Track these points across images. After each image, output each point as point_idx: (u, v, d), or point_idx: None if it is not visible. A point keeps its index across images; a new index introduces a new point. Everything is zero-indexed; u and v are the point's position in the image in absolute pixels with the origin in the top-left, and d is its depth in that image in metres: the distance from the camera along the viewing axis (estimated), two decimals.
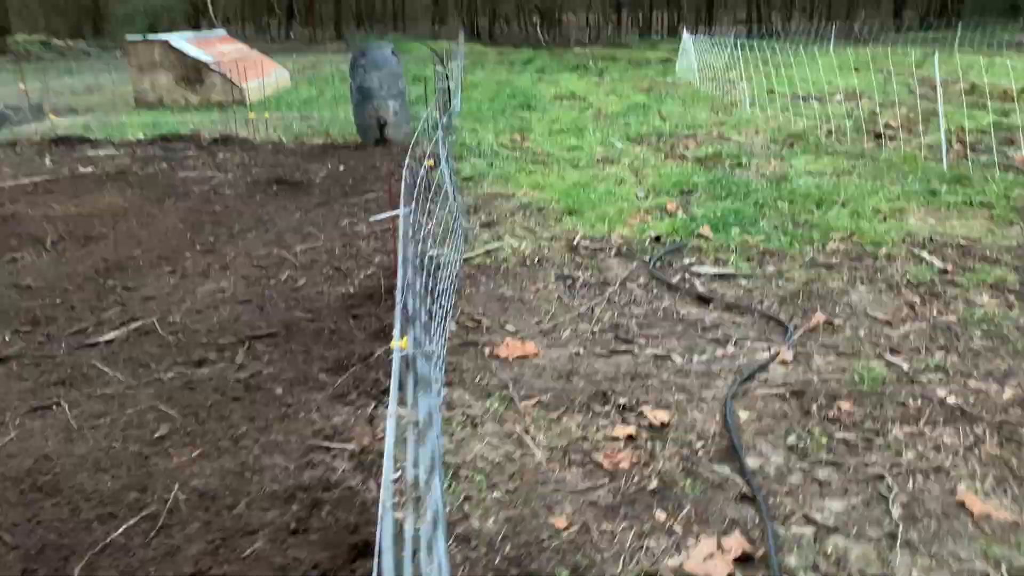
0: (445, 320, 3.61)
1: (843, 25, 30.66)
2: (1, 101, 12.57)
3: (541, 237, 4.84)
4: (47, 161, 7.93)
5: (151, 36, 12.00)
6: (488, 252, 4.59)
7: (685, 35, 17.04)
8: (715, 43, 13.72)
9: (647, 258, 4.38)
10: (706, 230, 4.73)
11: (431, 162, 6.02)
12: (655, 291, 3.96)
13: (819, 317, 3.51)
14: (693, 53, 14.09)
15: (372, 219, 4.84)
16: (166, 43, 11.82)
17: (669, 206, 5.39)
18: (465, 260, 4.45)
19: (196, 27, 33.69)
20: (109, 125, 10.20)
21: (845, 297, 3.74)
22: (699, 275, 4.14)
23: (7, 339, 3.64)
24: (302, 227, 5.36)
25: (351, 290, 4.14)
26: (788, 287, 3.91)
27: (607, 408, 2.82)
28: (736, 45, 11.94)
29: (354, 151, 8.15)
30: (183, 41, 12.15)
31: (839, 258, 4.26)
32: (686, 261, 4.35)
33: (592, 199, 5.65)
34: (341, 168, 7.25)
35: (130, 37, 11.94)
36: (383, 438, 2.67)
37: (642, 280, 4.11)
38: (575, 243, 4.66)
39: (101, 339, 3.59)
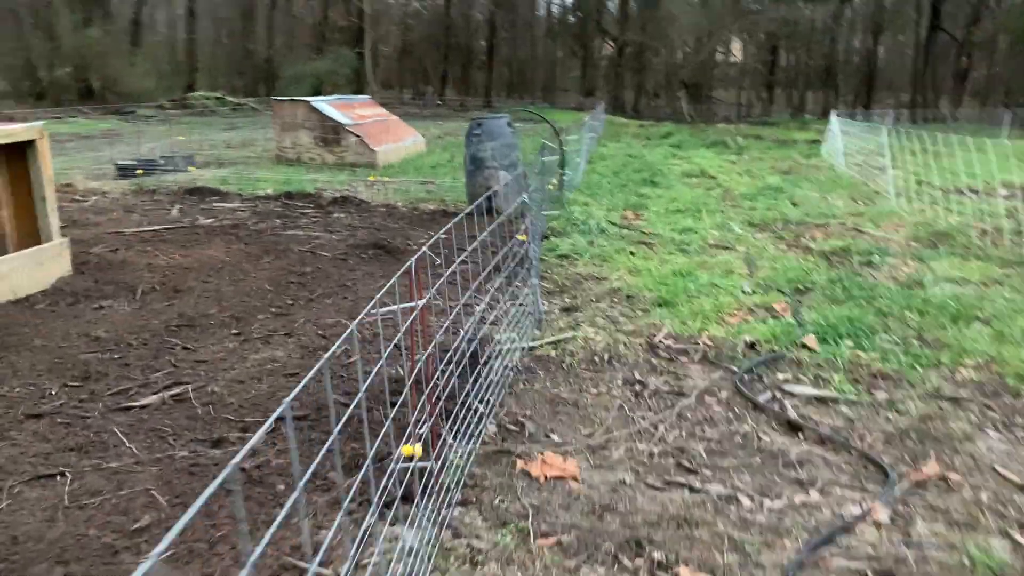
0: (484, 419, 3.24)
1: (1021, 111, 28.29)
2: (159, 151, 13.66)
3: (621, 330, 4.39)
4: (175, 210, 8.34)
5: (296, 97, 12.66)
6: (557, 342, 4.19)
7: (833, 116, 16.16)
8: (869, 126, 12.85)
9: (735, 368, 3.83)
10: (812, 340, 4.11)
11: (524, 236, 5.75)
12: (737, 410, 3.41)
13: (932, 468, 2.84)
14: (839, 135, 13.24)
15: (379, 312, 4.55)
16: (308, 104, 12.41)
17: (776, 306, 4.80)
18: (528, 350, 4.08)
19: (358, 91, 35.89)
20: (244, 179, 10.71)
21: (970, 445, 3.04)
22: (793, 395, 3.54)
23: (54, 392, 3.61)
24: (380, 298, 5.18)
25: (400, 370, 3.86)
26: (899, 422, 3.24)
27: (638, 562, 2.32)
28: (892, 129, 11.07)
29: (461, 220, 8.02)
30: (325, 103, 12.72)
31: (969, 391, 3.53)
32: (780, 377, 3.75)
33: (690, 289, 5.14)
34: (443, 236, 7.11)
35: (276, 98, 12.66)
36: (367, 565, 2.31)
37: (724, 395, 3.57)
38: (656, 341, 4.18)
39: (137, 403, 3.48)
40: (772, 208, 8.60)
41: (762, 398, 3.50)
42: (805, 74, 40.19)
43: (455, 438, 2.93)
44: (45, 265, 5.38)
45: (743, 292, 5.15)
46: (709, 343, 4.17)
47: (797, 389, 3.59)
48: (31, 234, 5.52)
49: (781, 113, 39.90)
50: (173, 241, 6.82)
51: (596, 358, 3.96)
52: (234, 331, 4.52)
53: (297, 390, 1.49)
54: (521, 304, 4.91)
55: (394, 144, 13.08)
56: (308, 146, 12.56)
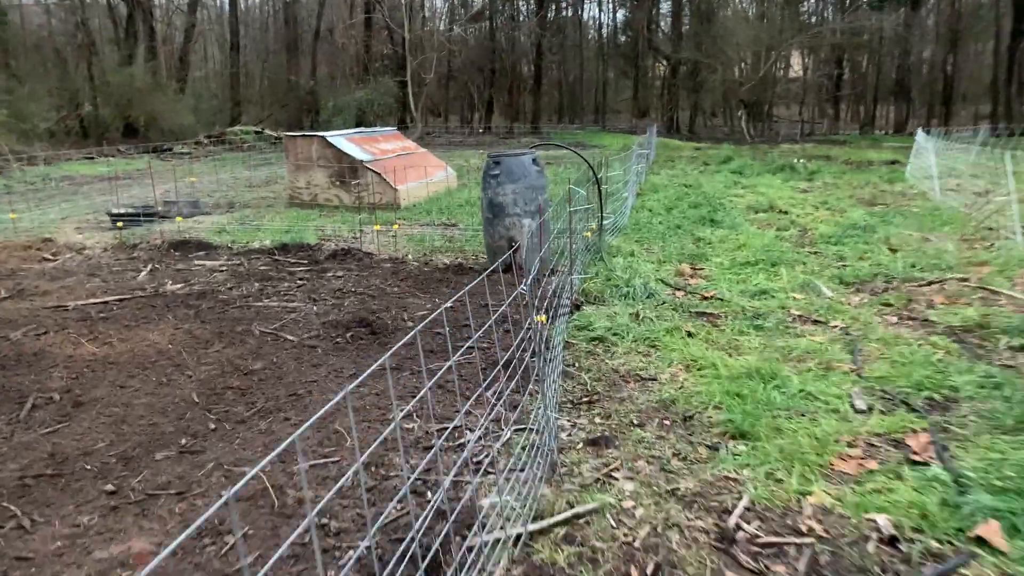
0: None
1: None
2: (174, 194, 12.64)
3: (675, 493, 2.84)
4: (144, 272, 7.11)
5: (309, 132, 11.45)
6: (573, 521, 2.67)
7: (920, 133, 14.27)
8: (956, 143, 11.01)
9: None
10: (991, 529, 2.49)
11: (543, 316, 4.27)
12: None
13: None
14: (932, 156, 11.39)
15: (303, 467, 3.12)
16: (323, 139, 11.20)
17: (911, 441, 3.18)
18: (530, 536, 2.57)
19: (403, 120, 35.11)
20: (244, 227, 9.50)
21: None
22: None
23: None
24: (338, 414, 3.74)
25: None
26: None
27: None
28: (994, 149, 9.27)
29: (477, 279, 6.58)
30: (341, 138, 11.50)
31: None
32: None
33: (775, 403, 3.56)
34: (447, 306, 5.66)
35: (289, 133, 11.49)
36: None
37: None
38: (731, 527, 2.61)
39: None
40: (865, 256, 6.90)
41: None
42: (874, 87, 37.75)
43: None
44: None
45: (854, 410, 3.53)
46: (819, 528, 2.59)
47: None
48: None
49: (848, 131, 37.58)
50: (118, 319, 5.54)
51: (634, 563, 2.42)
52: (110, 487, 3.13)
53: None
54: (531, 428, 3.41)
55: (420, 181, 11.76)
56: (324, 186, 11.34)
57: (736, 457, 3.09)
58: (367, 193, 11.08)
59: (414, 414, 3.70)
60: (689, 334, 4.71)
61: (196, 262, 7.56)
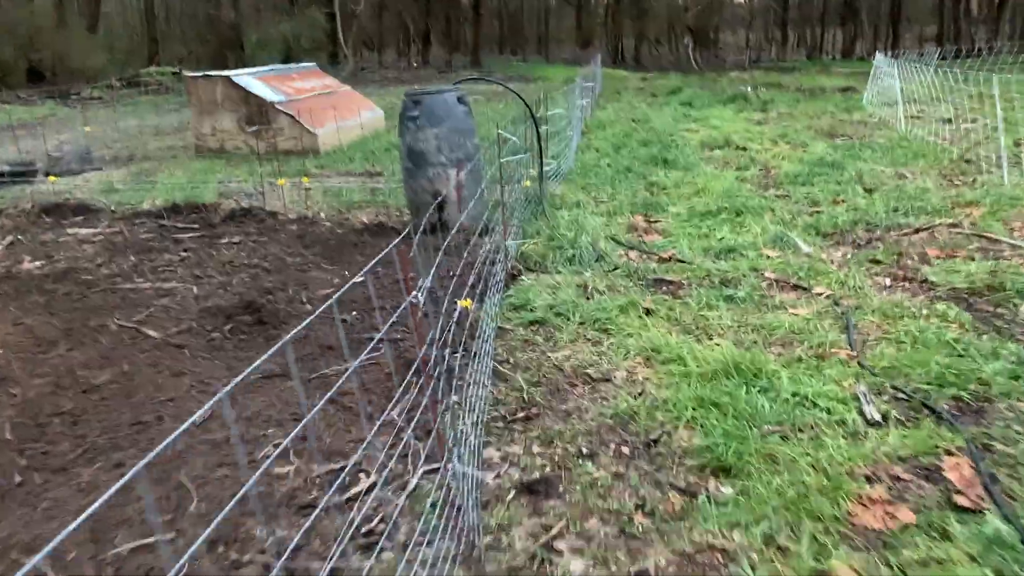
0: None
1: None
2: (68, 146, 11.23)
3: None
4: (2, 245, 5.95)
5: (212, 72, 10.12)
6: None
7: (878, 56, 13.51)
8: (911, 65, 10.26)
9: None
10: None
11: (468, 302, 3.39)
12: None
13: None
14: (897, 81, 10.63)
15: None
16: (227, 79, 9.89)
17: (949, 472, 2.40)
18: None
19: (334, 55, 33.10)
20: (139, 184, 8.29)
21: None
22: None
23: None
24: (190, 454, 2.81)
25: None
26: None
27: None
28: (944, 69, 8.54)
29: (398, 240, 5.61)
30: (250, 77, 10.19)
31: None
32: None
33: (765, 416, 2.74)
34: (359, 279, 4.70)
35: (191, 73, 10.14)
36: None
37: None
38: None
39: None
40: (839, 199, 6.12)
41: None
42: (821, 10, 36.88)
43: None
44: None
45: (865, 421, 2.74)
46: None
47: None
48: None
49: (795, 57, 36.87)
50: None
51: None
52: None
53: None
54: (445, 473, 2.53)
55: (342, 123, 10.57)
56: (232, 132, 10.08)
57: (721, 509, 2.27)
58: (280, 138, 9.88)
59: (291, 451, 2.78)
60: (647, 311, 3.86)
61: (69, 230, 6.41)
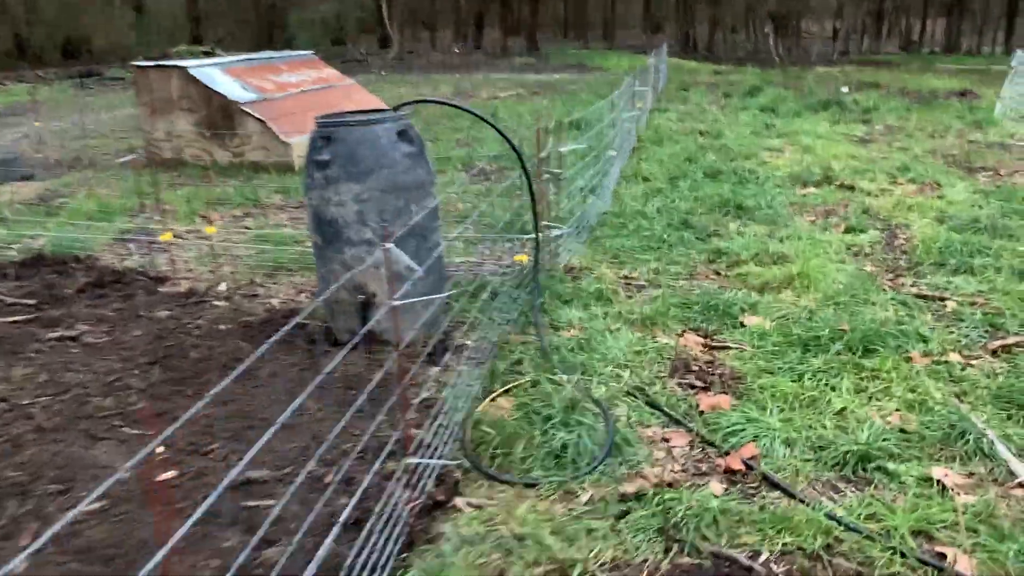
0: None
1: None
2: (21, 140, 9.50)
3: None
4: None
5: (165, 61, 8.09)
6: None
7: (1018, 54, 10.74)
8: None
9: None
10: None
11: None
12: None
13: None
14: None
15: None
16: (182, 71, 7.86)
17: None
18: None
19: (384, 39, 31.17)
20: (34, 214, 6.35)
21: None
22: None
23: None
24: None
25: None
26: None
27: None
28: None
29: (302, 364, 3.43)
30: (216, 68, 8.15)
31: None
32: None
33: None
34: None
35: (139, 62, 8.14)
36: None
37: None
38: None
39: None
40: (1010, 285, 3.70)
41: None
42: None
43: None
44: None
45: None
46: None
47: None
48: None
49: (890, 51, 33.29)
50: None
51: None
52: None
53: None
54: None
55: None
56: (189, 138, 8.07)
57: None
58: (247, 147, 7.83)
59: None
60: None
61: None
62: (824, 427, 2.73)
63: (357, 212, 3.34)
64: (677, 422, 2.82)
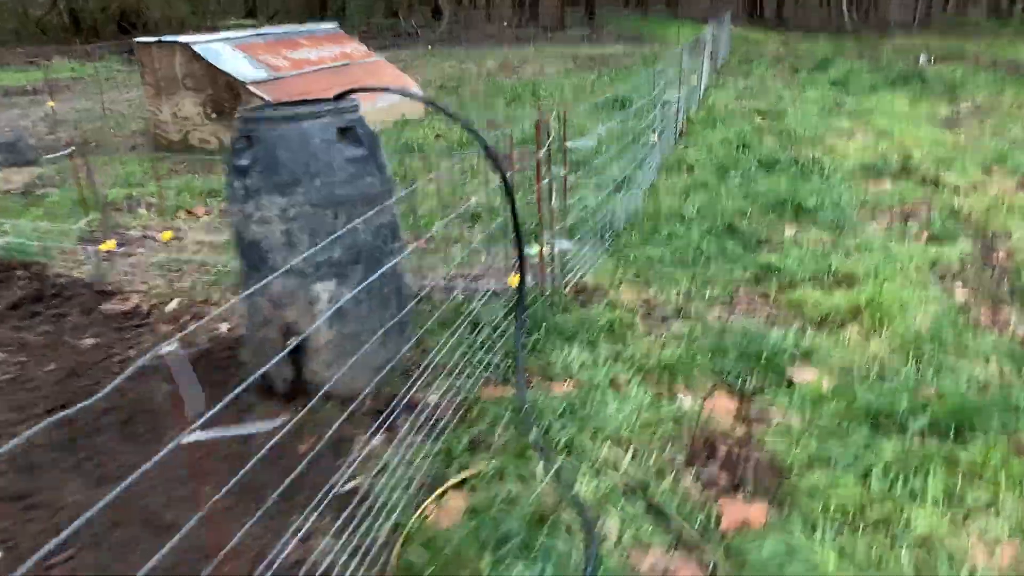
0: None
1: None
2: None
3: None
4: None
5: (168, 37, 7.46)
6: None
7: None
8: None
9: None
10: None
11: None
12: None
13: None
14: None
15: None
16: (186, 48, 7.23)
17: None
18: None
19: (436, 10, 30.37)
20: (28, 196, 5.84)
21: None
22: None
23: None
24: None
25: None
26: None
27: None
28: None
29: (227, 421, 2.73)
30: (226, 44, 7.50)
31: None
32: None
33: None
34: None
35: (143, 39, 7.55)
36: None
37: None
38: None
39: None
40: None
41: None
42: None
43: None
44: None
45: None
46: None
47: None
48: None
49: (975, 15, 30.86)
50: None
51: None
52: None
53: None
54: None
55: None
56: (196, 120, 7.47)
57: None
58: None
59: None
60: None
61: None
62: (900, 565, 1.89)
63: (284, 232, 2.60)
64: (689, 547, 2.01)
